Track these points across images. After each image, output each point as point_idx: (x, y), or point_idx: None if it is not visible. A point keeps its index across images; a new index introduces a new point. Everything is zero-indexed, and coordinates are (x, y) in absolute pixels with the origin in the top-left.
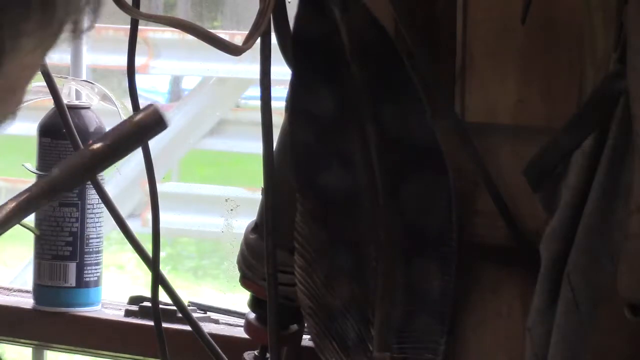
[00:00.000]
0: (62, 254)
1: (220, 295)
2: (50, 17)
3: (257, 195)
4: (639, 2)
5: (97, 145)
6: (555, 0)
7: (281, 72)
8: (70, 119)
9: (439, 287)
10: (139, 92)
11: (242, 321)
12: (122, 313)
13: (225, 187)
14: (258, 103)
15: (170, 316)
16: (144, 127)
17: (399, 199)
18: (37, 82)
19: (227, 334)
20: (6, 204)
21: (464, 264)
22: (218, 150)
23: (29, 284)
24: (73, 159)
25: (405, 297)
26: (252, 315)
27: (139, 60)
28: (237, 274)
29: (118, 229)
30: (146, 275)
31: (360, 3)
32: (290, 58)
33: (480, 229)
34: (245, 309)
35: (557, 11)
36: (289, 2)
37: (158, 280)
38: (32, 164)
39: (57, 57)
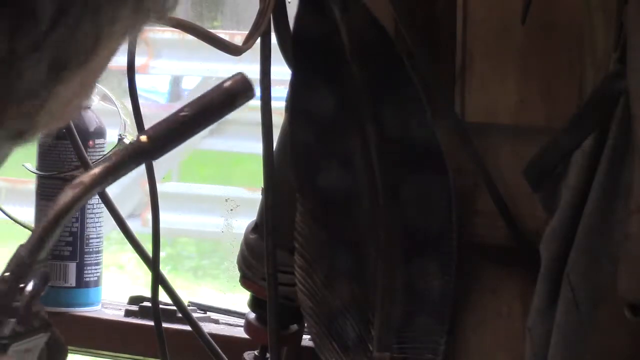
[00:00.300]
0: (62, 254)
1: (220, 295)
2: (143, 2)
3: (257, 195)
4: (639, 2)
5: (186, 112)
6: (555, 1)
7: (281, 72)
8: None
9: (439, 287)
10: (139, 92)
11: (242, 321)
12: (122, 313)
13: (225, 187)
14: (258, 103)
15: (170, 316)
16: (233, 93)
17: (399, 199)
18: None
19: (227, 334)
20: (93, 168)
21: (464, 264)
22: (218, 150)
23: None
24: (163, 124)
25: (405, 297)
26: (252, 315)
27: (139, 60)
28: (237, 274)
29: (118, 229)
30: (146, 275)
31: (360, 3)
32: (290, 58)
33: (480, 229)
34: (245, 309)
35: (557, 11)
36: (289, 2)
37: (158, 280)
38: (32, 164)
39: None
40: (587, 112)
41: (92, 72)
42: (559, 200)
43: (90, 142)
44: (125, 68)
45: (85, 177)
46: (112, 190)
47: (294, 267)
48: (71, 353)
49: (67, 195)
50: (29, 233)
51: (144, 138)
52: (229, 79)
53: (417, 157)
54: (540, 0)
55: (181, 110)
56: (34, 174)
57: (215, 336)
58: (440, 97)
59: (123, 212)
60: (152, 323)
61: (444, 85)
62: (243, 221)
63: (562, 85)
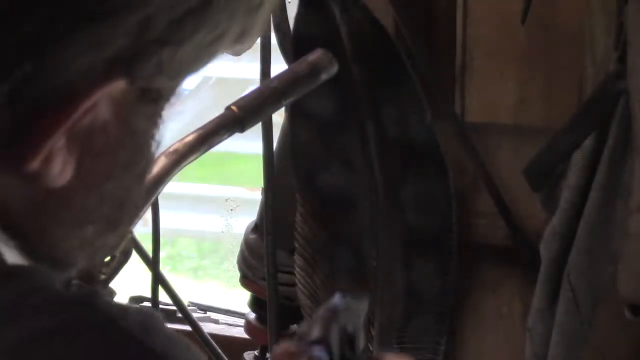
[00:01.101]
0: None
1: (220, 295)
2: None
3: (257, 195)
4: (639, 2)
5: (274, 84)
6: (555, 1)
7: None
8: None
9: (439, 287)
10: None
11: (242, 321)
12: None
13: (225, 187)
14: None
15: (170, 316)
16: (317, 67)
17: (399, 199)
18: None
19: (227, 334)
20: (187, 136)
21: (464, 264)
22: (218, 150)
23: None
24: (253, 95)
25: (405, 297)
26: (252, 315)
27: None
28: (237, 274)
29: None
30: (146, 275)
31: (360, 3)
32: (290, 58)
33: (480, 229)
34: (245, 308)
35: (557, 11)
36: (289, 2)
37: (158, 280)
38: None
39: None
40: (587, 112)
41: None
42: (559, 200)
43: None
44: None
45: (180, 145)
46: None
47: (294, 267)
48: None
49: (160, 163)
50: None
51: (234, 108)
52: (312, 53)
53: (417, 157)
54: (540, 0)
55: (270, 82)
56: None
57: (215, 336)
58: (440, 97)
59: None
60: None
61: (444, 85)
62: (243, 221)
63: (562, 85)
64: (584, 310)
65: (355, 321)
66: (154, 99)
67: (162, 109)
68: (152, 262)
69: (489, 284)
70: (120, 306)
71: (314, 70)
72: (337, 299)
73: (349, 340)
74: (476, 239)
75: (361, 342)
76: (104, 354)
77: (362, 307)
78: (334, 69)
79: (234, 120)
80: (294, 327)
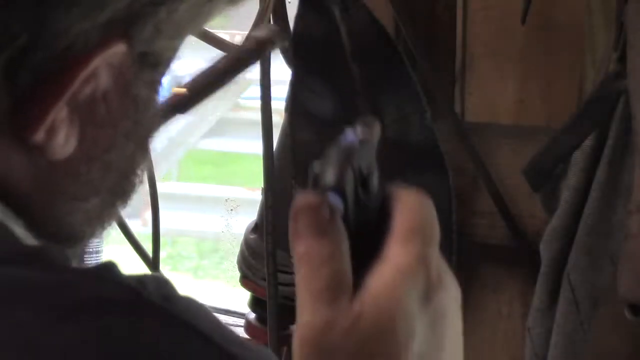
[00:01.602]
0: None
1: (220, 295)
2: None
3: (257, 195)
4: (639, 2)
5: (220, 64)
6: (555, 1)
7: (281, 72)
8: None
9: None
10: None
11: (242, 321)
12: None
13: (225, 187)
14: (258, 103)
15: None
16: (261, 41)
17: None
18: None
19: None
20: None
21: (464, 264)
22: (218, 150)
23: None
24: (200, 76)
25: None
26: (252, 315)
27: None
28: (237, 274)
29: (118, 228)
30: None
31: (360, 3)
32: (290, 58)
33: (480, 229)
34: (245, 308)
35: (557, 11)
36: (289, 2)
37: None
38: None
39: None
40: (587, 112)
41: None
42: (559, 200)
43: None
44: None
45: None
46: None
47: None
48: None
49: None
50: None
51: (180, 90)
52: (257, 29)
53: (417, 157)
54: (540, 0)
55: (217, 62)
56: None
57: None
58: (440, 97)
59: (123, 212)
60: None
61: (444, 85)
62: (243, 221)
63: (562, 85)
64: (583, 310)
65: (369, 158)
66: (153, 65)
67: (161, 74)
68: (152, 262)
69: (489, 284)
70: (136, 277)
71: (258, 44)
72: (348, 135)
73: (362, 182)
74: (476, 239)
75: (375, 182)
76: (134, 326)
77: (374, 135)
78: (281, 41)
79: (179, 102)
80: (293, 327)
